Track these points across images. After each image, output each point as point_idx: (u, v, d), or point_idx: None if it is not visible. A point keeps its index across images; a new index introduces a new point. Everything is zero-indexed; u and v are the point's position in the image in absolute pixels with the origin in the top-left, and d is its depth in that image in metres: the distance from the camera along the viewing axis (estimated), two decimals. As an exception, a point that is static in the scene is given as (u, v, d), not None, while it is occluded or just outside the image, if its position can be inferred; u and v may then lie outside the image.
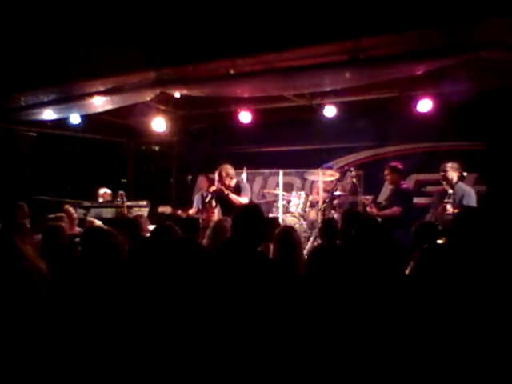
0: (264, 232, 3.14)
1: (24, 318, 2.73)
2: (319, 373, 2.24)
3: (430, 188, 7.75)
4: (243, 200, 6.24)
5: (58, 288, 3.02)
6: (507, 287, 2.32)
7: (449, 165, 5.70)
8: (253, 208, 3.32)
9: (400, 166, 6.32)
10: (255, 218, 3.10)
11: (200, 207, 7.95)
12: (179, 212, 7.76)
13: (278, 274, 2.99)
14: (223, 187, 6.35)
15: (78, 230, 5.80)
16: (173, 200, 10.31)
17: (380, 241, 2.98)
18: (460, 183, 5.66)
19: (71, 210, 6.03)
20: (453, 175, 5.61)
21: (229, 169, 6.41)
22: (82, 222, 6.29)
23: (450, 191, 5.38)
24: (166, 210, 7.72)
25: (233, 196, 6.30)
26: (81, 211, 6.73)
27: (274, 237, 3.68)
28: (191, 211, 7.97)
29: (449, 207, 5.26)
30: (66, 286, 2.99)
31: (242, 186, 6.48)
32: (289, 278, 3.14)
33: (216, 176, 6.46)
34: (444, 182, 5.69)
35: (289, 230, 3.69)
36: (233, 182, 6.45)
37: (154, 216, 7.66)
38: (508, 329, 2.17)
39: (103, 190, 7.94)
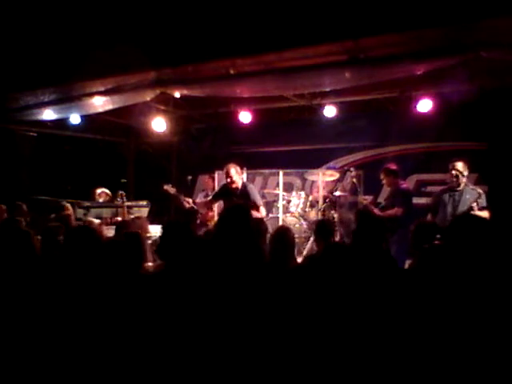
0: (248, 234, 3.00)
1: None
2: (316, 371, 2.24)
3: (430, 188, 7.75)
4: (263, 212, 6.10)
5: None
6: (507, 289, 2.32)
7: (461, 164, 5.63)
8: (238, 209, 3.22)
9: (393, 167, 6.27)
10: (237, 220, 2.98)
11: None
12: (183, 196, 7.67)
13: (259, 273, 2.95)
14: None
15: None
16: (173, 200, 10.31)
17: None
18: (471, 186, 5.65)
19: (68, 206, 6.06)
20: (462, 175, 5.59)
21: (237, 167, 6.20)
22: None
23: (480, 191, 5.40)
24: (170, 189, 7.62)
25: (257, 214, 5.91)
26: (80, 211, 6.72)
27: (270, 237, 3.69)
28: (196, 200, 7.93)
29: (474, 205, 5.27)
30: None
31: (249, 189, 6.16)
32: (280, 276, 3.14)
33: (225, 173, 6.19)
34: (454, 180, 5.65)
35: (284, 231, 3.68)
36: (239, 182, 6.23)
37: (157, 193, 7.66)
38: (506, 329, 2.17)
39: (100, 190, 7.93)
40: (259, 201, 6.14)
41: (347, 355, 2.22)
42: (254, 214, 5.93)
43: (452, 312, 2.26)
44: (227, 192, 6.23)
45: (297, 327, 2.40)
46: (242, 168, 6.56)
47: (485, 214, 5.11)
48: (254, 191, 6.24)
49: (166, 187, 7.51)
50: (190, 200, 7.49)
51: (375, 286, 2.60)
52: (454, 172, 5.57)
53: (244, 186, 6.25)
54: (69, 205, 6.20)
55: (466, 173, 5.58)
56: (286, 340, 2.38)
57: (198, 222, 7.70)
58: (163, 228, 3.11)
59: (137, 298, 2.71)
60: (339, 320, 2.34)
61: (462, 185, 5.54)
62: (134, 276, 2.95)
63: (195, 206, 7.47)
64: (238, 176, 6.18)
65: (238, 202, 5.73)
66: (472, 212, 5.13)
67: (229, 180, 6.15)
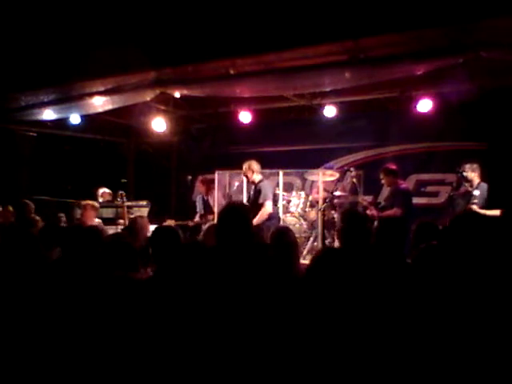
0: (249, 232, 2.84)
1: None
2: (319, 372, 2.24)
3: (429, 188, 7.75)
4: (267, 207, 6.10)
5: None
6: (504, 289, 2.32)
7: (468, 166, 5.68)
8: (234, 208, 3.01)
9: (393, 167, 6.30)
10: (237, 219, 2.80)
11: (202, 212, 8.03)
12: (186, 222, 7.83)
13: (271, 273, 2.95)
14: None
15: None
16: (173, 200, 10.32)
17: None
18: (483, 183, 5.66)
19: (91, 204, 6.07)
20: (473, 176, 5.63)
21: (253, 163, 6.36)
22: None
23: (476, 193, 5.42)
24: (170, 223, 7.74)
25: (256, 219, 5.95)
26: (80, 211, 6.73)
27: (270, 237, 3.67)
28: (195, 219, 8.06)
29: (475, 208, 5.28)
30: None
31: (261, 185, 6.27)
32: (284, 277, 3.13)
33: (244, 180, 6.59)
34: (467, 184, 5.69)
35: (282, 232, 3.67)
36: (255, 177, 6.34)
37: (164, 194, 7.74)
38: (502, 329, 2.17)
39: (102, 190, 7.95)
40: (266, 196, 6.20)
41: (348, 354, 2.22)
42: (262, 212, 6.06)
43: (445, 312, 2.26)
44: (251, 190, 6.53)
45: (297, 329, 2.40)
46: (241, 168, 6.65)
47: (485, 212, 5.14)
48: (266, 187, 6.32)
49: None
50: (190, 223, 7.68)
51: (368, 285, 2.60)
52: (464, 174, 5.64)
53: (260, 181, 6.38)
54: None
55: (474, 173, 5.62)
56: (285, 341, 2.38)
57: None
58: (152, 233, 3.14)
59: (134, 301, 2.71)
60: (337, 320, 2.34)
61: (475, 184, 5.60)
62: (129, 280, 2.95)
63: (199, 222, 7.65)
64: (251, 171, 6.35)
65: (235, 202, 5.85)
66: (474, 210, 5.17)
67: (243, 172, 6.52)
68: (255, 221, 5.68)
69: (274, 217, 6.31)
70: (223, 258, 2.75)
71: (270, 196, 6.26)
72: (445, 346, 2.17)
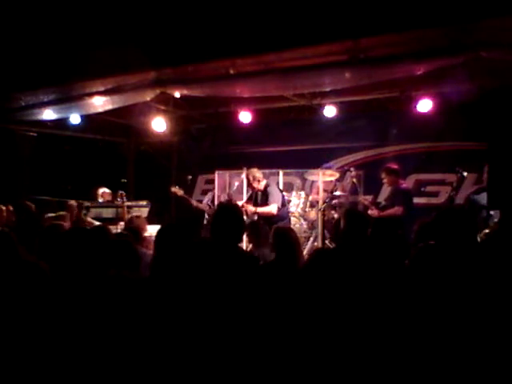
0: (241, 231, 3.13)
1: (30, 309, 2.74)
2: (316, 369, 2.25)
3: (429, 188, 7.75)
4: (271, 208, 6.15)
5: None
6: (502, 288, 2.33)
7: None
8: (230, 208, 3.32)
9: (395, 167, 6.31)
10: (231, 218, 3.07)
11: (209, 204, 8.06)
12: (191, 198, 7.81)
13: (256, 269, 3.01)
14: (247, 206, 6.36)
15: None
16: (172, 200, 10.32)
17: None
18: None
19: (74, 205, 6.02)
20: None
21: (255, 172, 6.41)
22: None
23: None
24: (178, 191, 7.71)
25: (260, 210, 6.27)
26: (69, 212, 6.72)
27: (272, 237, 3.70)
28: (203, 202, 8.07)
29: None
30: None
31: (269, 190, 6.35)
32: (288, 276, 3.15)
33: (244, 180, 6.55)
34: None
35: (283, 232, 3.69)
36: (261, 185, 6.36)
37: (157, 193, 7.71)
38: (498, 326, 2.18)
39: (102, 190, 7.95)
40: (274, 199, 6.30)
41: (345, 352, 2.22)
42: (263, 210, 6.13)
43: (442, 311, 2.26)
44: (255, 194, 6.57)
45: (295, 327, 2.40)
46: (241, 168, 6.66)
47: None
48: (273, 191, 6.42)
49: (173, 189, 7.65)
50: (199, 202, 7.67)
51: (367, 285, 2.60)
52: (483, 174, 5.63)
53: (266, 186, 6.46)
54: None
55: None
56: (281, 339, 2.38)
57: (206, 222, 7.82)
58: (158, 232, 3.17)
59: (137, 299, 2.71)
60: (333, 319, 2.34)
61: None
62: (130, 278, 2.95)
63: (204, 208, 7.66)
64: (256, 181, 6.44)
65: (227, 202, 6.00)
66: None
67: (247, 184, 6.67)
68: (260, 210, 6.27)
69: (285, 217, 6.44)
70: (218, 253, 2.82)
71: (277, 199, 6.33)
72: (438, 343, 2.17)
